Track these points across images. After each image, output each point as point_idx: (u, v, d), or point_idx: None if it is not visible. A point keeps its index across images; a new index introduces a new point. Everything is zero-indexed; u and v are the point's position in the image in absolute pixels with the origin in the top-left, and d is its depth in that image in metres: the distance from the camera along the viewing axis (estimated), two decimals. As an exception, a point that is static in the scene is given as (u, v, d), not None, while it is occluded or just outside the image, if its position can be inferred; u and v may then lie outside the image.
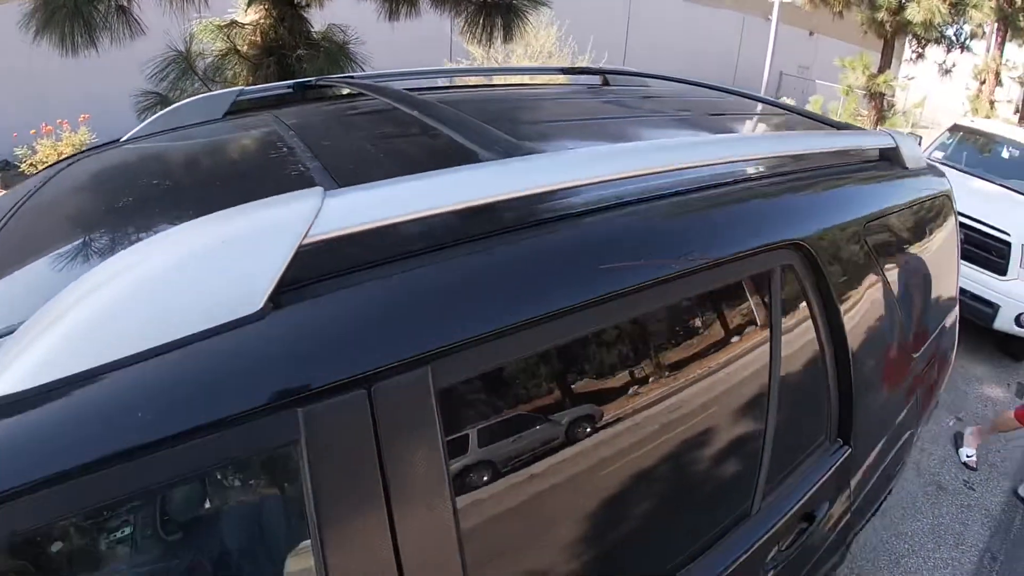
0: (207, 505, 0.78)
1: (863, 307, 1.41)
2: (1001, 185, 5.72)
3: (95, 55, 3.37)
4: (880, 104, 11.91)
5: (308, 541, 0.73)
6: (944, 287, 2.06)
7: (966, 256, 4.77)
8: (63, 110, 6.50)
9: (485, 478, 0.89)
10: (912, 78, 14.31)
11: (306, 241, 0.70)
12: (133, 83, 3.70)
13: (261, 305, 0.69)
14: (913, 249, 1.71)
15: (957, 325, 2.28)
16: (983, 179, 5.86)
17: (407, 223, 0.78)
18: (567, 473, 0.97)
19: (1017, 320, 4.64)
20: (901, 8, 12.09)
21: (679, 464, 1.15)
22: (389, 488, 0.75)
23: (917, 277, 1.77)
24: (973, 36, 15.65)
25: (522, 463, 0.92)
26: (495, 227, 0.90)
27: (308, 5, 3.95)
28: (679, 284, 1.03)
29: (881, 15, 12.15)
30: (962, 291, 4.69)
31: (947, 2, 11.46)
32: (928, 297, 1.89)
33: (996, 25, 14.64)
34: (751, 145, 1.31)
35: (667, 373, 1.10)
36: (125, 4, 3.53)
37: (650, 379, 1.07)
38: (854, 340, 1.39)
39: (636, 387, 1.04)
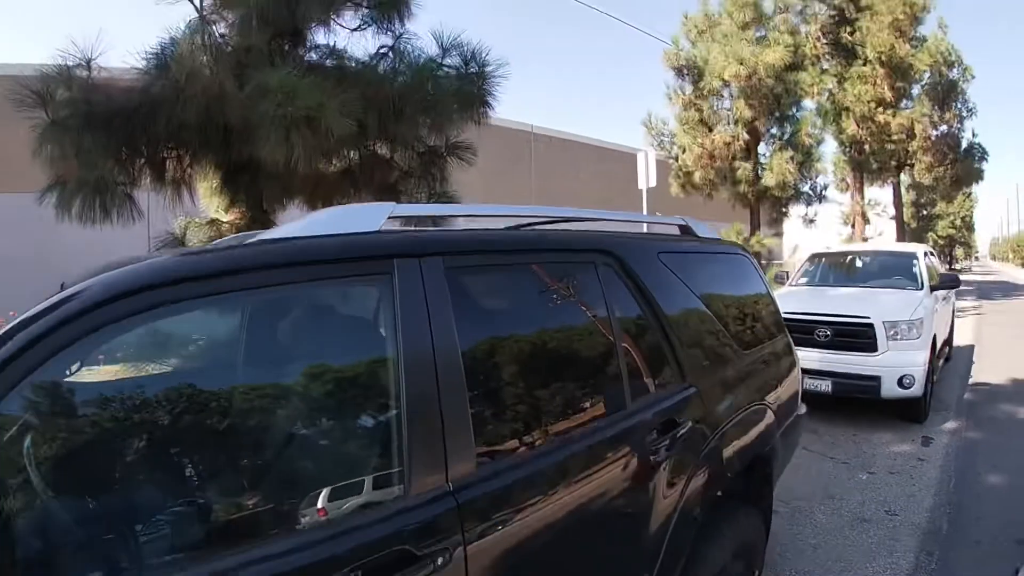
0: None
1: (668, 295, 2.33)
2: (859, 287, 7.18)
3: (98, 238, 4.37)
4: (758, 258, 13.97)
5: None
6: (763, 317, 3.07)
7: (842, 346, 5.96)
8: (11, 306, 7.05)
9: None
10: (778, 233, 16.90)
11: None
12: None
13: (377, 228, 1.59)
14: (707, 278, 2.71)
15: (788, 348, 3.25)
16: (843, 286, 7.34)
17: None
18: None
19: (899, 382, 5.67)
20: (758, 178, 14.84)
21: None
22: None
23: (719, 298, 2.73)
24: (839, 189, 18.66)
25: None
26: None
27: (274, 211, 5.16)
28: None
29: (742, 187, 14.87)
30: (847, 375, 5.82)
31: (795, 163, 14.19)
32: (743, 314, 2.87)
33: (853, 173, 17.67)
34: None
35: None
36: (131, 193, 4.69)
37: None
38: (667, 310, 2.26)
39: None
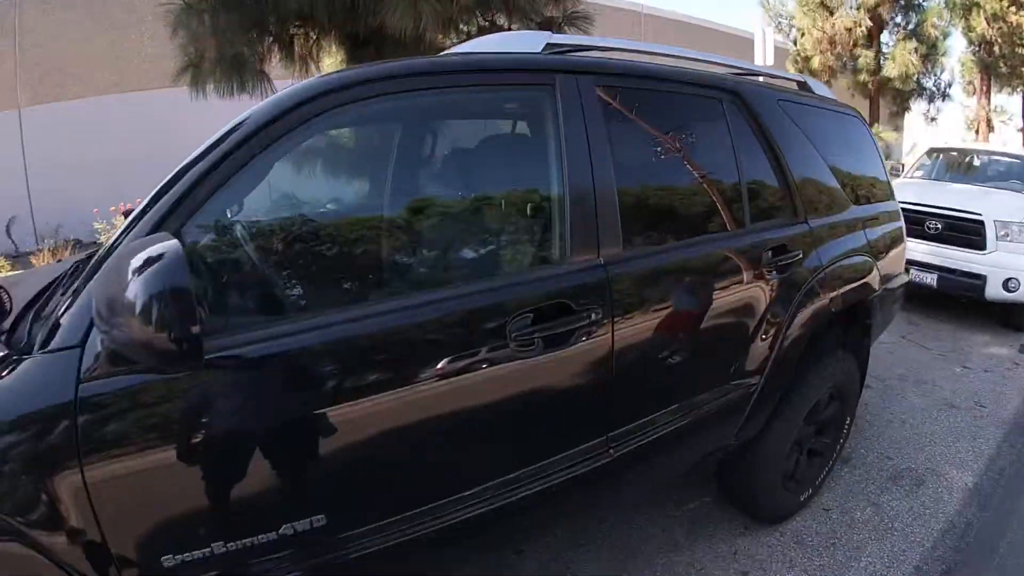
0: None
1: (785, 139, 2.56)
2: (975, 185, 7.01)
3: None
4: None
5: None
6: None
7: (951, 241, 5.94)
8: (135, 194, 7.77)
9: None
10: (897, 128, 16.12)
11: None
12: None
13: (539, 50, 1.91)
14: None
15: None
16: (958, 183, 7.17)
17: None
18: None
19: (1005, 285, 5.66)
20: (879, 68, 14.17)
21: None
22: None
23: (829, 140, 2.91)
24: (965, 93, 17.45)
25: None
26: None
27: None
28: None
29: (863, 76, 14.26)
30: (953, 271, 5.82)
31: (918, 55, 13.44)
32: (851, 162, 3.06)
33: (980, 75, 16.49)
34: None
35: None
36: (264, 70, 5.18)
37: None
38: (784, 152, 2.50)
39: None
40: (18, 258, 8.02)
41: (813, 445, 2.83)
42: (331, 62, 5.54)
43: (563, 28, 5.75)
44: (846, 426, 2.99)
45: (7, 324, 1.54)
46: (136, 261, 1.07)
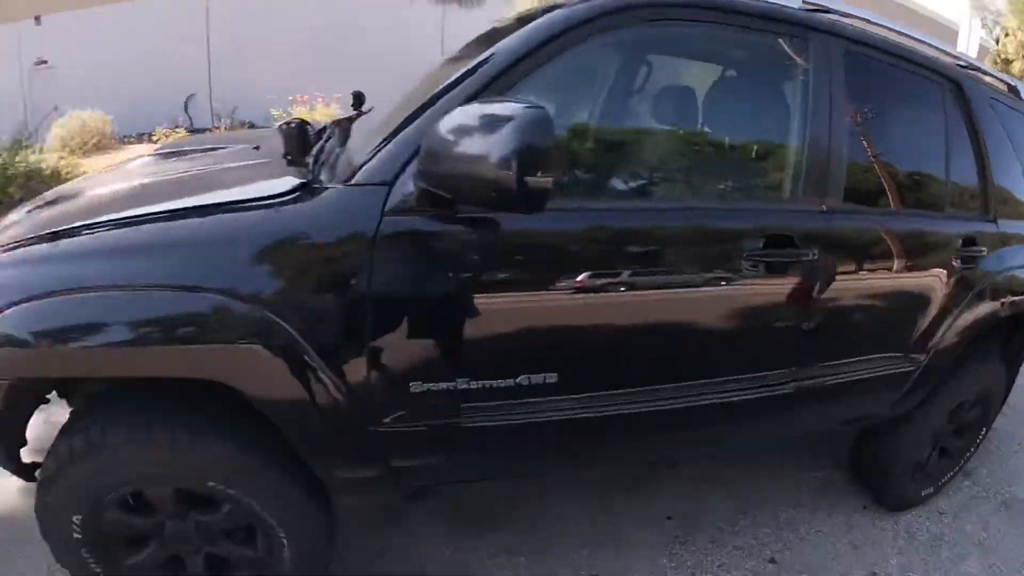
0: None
1: (991, 138, 2.58)
2: None
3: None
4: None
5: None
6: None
7: None
8: (312, 87, 8.42)
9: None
10: None
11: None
12: (381, 76, 5.34)
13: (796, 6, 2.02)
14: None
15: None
16: None
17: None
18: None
19: None
20: None
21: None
22: None
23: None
24: None
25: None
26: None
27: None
28: None
29: None
30: None
31: None
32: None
33: None
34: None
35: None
36: None
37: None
38: (988, 149, 2.53)
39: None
40: (193, 132, 8.65)
41: (948, 444, 2.89)
42: None
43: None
44: (981, 435, 3.03)
45: (311, 157, 1.81)
46: (506, 112, 1.25)
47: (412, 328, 1.52)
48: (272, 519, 1.68)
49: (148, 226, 1.54)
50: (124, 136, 9.03)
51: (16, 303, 1.47)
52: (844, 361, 2.18)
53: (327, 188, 1.51)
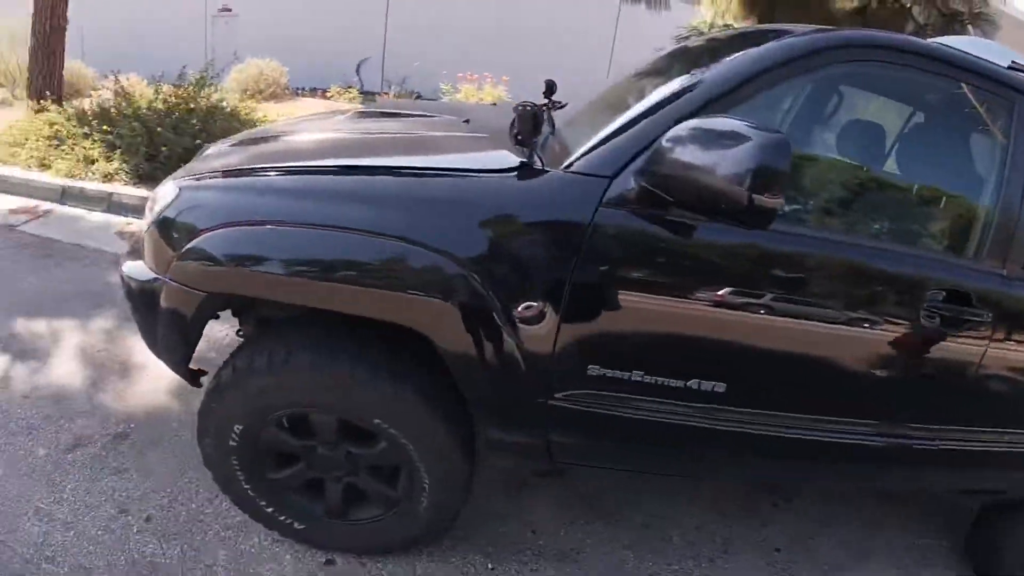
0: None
1: None
2: None
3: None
4: None
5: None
6: None
7: None
8: (480, 67, 8.67)
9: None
10: None
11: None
12: (550, 63, 5.46)
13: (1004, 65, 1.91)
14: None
15: None
16: None
17: None
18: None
19: None
20: None
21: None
22: None
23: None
24: None
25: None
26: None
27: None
28: None
29: None
30: None
31: None
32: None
33: None
34: None
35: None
36: None
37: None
38: None
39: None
40: (364, 95, 9.18)
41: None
42: None
43: (966, 25, 5.57)
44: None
45: (539, 140, 1.89)
46: (747, 132, 1.32)
47: (603, 315, 1.61)
48: (422, 464, 1.79)
49: (375, 177, 1.72)
50: (297, 88, 9.62)
51: (227, 225, 1.66)
52: (993, 429, 2.12)
53: (547, 171, 1.62)
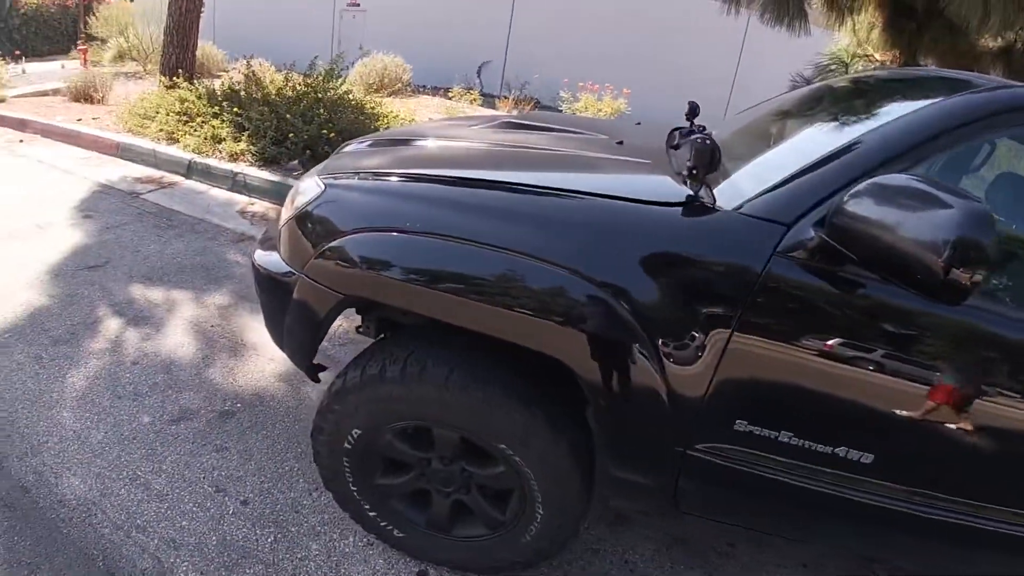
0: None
1: None
2: None
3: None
4: None
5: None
6: None
7: None
8: (599, 79, 8.68)
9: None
10: None
11: None
12: (670, 80, 5.33)
13: None
14: None
15: None
16: None
17: None
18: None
19: None
20: None
21: None
22: None
23: None
24: None
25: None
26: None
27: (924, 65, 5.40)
28: None
29: None
30: None
31: None
32: None
33: None
34: None
35: None
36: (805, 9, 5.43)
37: None
38: None
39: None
40: (485, 97, 9.28)
41: None
42: (865, 19, 5.49)
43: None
44: None
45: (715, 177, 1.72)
46: (948, 199, 1.21)
47: (763, 370, 1.49)
48: (540, 495, 1.71)
49: (536, 198, 1.64)
50: (419, 85, 9.84)
51: (373, 229, 1.63)
52: None
53: (716, 209, 1.52)
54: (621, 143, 2.23)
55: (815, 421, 1.56)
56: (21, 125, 6.37)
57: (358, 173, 1.87)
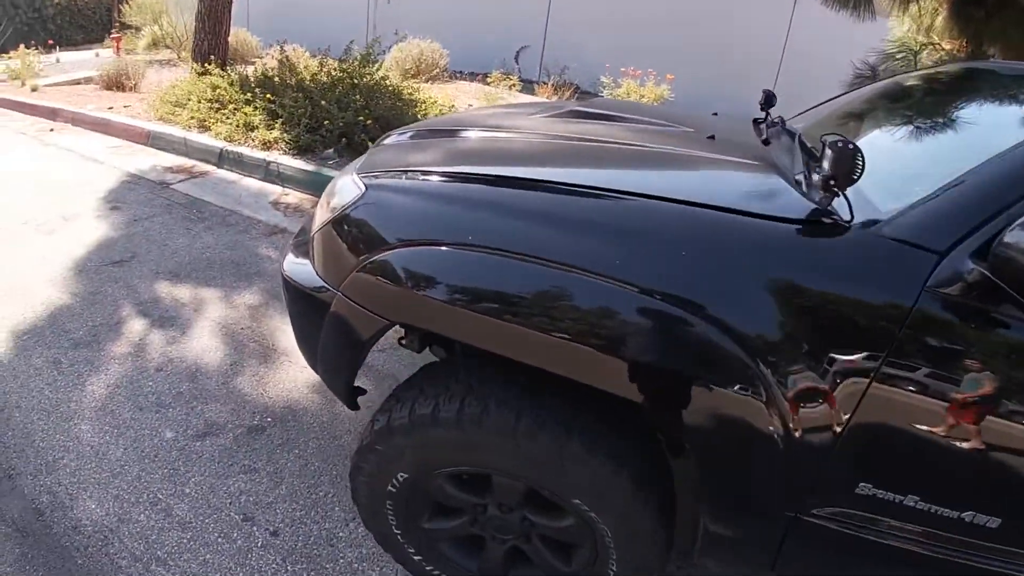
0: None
1: None
2: None
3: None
4: None
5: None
6: None
7: None
8: (636, 61, 8.31)
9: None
10: None
11: None
12: (712, 63, 4.99)
13: None
14: None
15: None
16: None
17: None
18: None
19: None
20: None
21: None
22: None
23: None
24: None
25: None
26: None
27: (992, 54, 5.12)
28: None
29: None
30: None
31: None
32: None
33: None
34: None
35: None
36: None
37: None
38: None
39: None
40: (523, 83, 9.01)
41: None
42: (929, 5, 5.19)
43: None
44: None
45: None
46: None
47: (902, 425, 1.22)
48: (615, 552, 1.46)
49: (617, 203, 1.38)
50: (455, 71, 9.61)
51: (428, 243, 1.37)
52: None
53: (847, 227, 1.25)
54: (712, 137, 1.93)
55: (950, 483, 1.30)
56: (52, 114, 6.27)
57: (405, 171, 1.62)
